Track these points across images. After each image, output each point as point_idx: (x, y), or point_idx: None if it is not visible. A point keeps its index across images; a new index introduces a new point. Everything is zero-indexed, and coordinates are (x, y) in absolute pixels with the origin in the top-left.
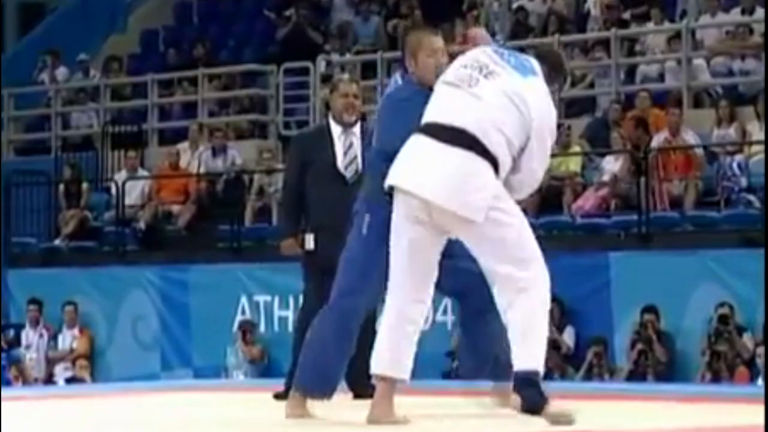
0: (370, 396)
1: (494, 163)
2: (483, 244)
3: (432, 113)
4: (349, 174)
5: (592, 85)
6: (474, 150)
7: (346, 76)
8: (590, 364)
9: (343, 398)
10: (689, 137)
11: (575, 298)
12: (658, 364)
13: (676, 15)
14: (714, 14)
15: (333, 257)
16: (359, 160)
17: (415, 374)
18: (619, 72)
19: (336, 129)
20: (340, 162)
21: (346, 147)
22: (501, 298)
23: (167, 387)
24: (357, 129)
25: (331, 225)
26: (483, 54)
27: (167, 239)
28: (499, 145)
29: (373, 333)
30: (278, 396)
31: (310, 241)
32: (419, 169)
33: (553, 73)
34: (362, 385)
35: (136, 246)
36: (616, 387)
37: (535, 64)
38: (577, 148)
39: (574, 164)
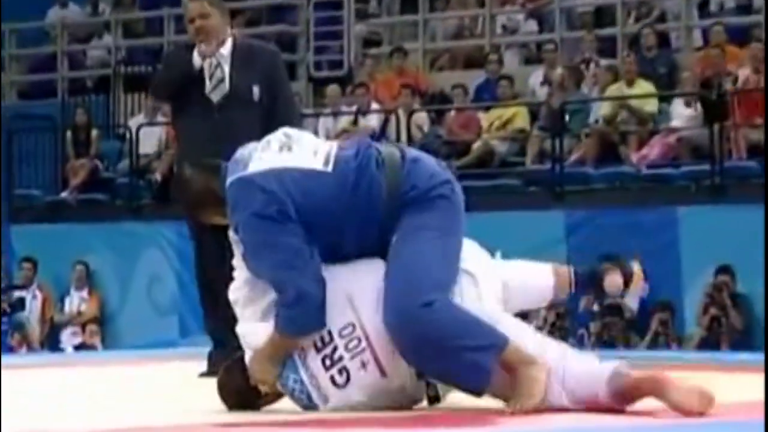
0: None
1: None
2: None
3: None
4: (215, 98)
5: (662, 19)
6: None
7: None
8: (656, 331)
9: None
10: None
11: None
12: (733, 331)
13: None
14: None
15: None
16: (227, 82)
17: None
18: (691, 5)
19: (197, 57)
20: (205, 87)
21: (212, 69)
22: None
23: (185, 355)
24: (225, 50)
25: (199, 155)
26: None
27: None
28: None
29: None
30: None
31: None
32: None
33: None
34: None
35: (151, 199)
36: (687, 356)
37: None
38: (643, 86)
39: (651, 105)
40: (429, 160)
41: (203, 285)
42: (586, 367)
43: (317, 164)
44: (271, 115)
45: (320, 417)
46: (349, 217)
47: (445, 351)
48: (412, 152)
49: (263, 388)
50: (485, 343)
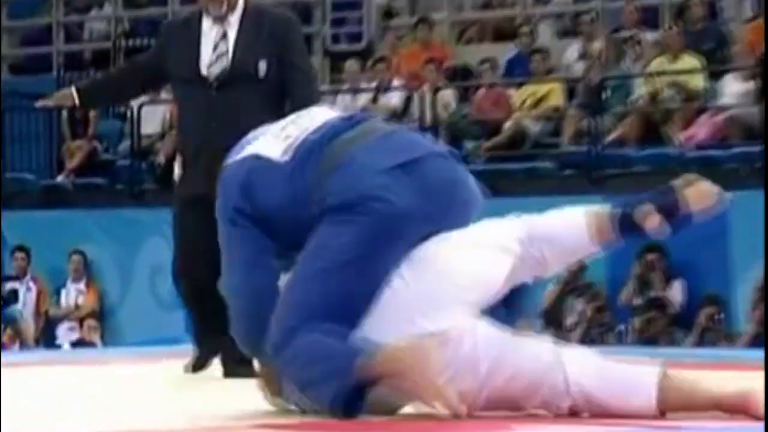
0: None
1: None
2: None
3: None
4: (214, 73)
5: None
6: None
7: None
8: (703, 328)
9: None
10: None
11: (685, 247)
12: None
13: None
14: None
15: (198, 183)
16: (229, 55)
17: None
18: None
19: (206, 21)
20: (204, 61)
21: (217, 40)
22: None
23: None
24: (234, 17)
25: (195, 142)
26: None
27: None
28: None
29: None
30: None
31: (177, 167)
32: None
33: None
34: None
35: (154, 184)
36: (737, 355)
37: None
38: (689, 60)
39: (697, 80)
40: (373, 158)
41: (192, 284)
42: (616, 370)
43: (275, 153)
44: (285, 93)
45: (326, 422)
46: (292, 213)
47: (303, 384)
48: (376, 139)
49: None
50: (336, 369)
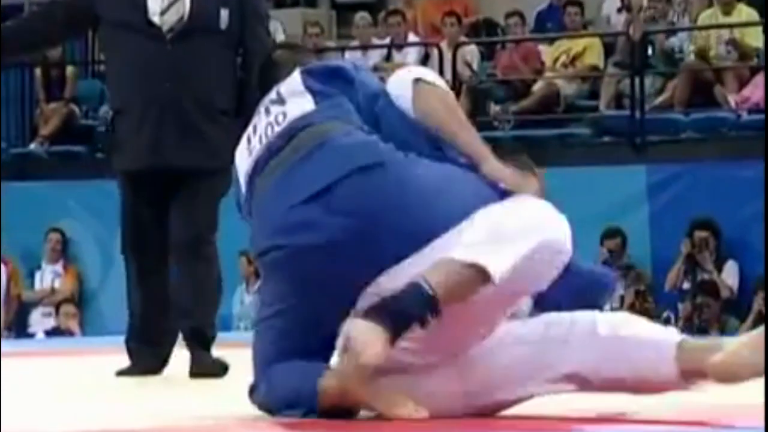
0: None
1: None
2: None
3: None
4: (168, 24)
5: None
6: None
7: None
8: (759, 314)
9: None
10: None
11: (739, 225)
12: None
13: None
14: None
15: (140, 154)
16: (186, 1)
17: None
18: None
19: None
20: (154, 7)
21: None
22: None
23: (178, 342)
24: None
25: (140, 103)
26: None
27: None
28: None
29: None
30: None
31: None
32: None
33: None
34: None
35: None
36: None
37: None
38: (744, 13)
39: (751, 37)
40: (285, 194)
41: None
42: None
43: (243, 169)
44: (239, 45)
45: (322, 421)
46: None
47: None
48: (290, 167)
49: None
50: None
